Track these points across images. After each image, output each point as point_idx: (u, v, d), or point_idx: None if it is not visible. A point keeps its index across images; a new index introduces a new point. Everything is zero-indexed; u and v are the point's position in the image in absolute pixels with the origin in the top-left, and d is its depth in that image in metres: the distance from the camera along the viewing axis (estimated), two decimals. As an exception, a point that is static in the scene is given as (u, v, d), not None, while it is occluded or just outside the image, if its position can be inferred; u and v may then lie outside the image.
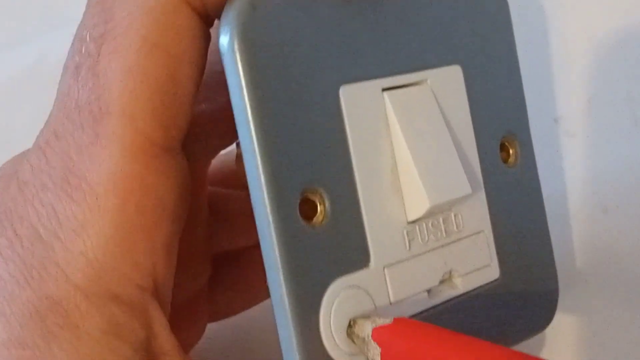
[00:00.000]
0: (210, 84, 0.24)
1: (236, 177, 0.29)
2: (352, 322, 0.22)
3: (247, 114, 0.20)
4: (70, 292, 0.21)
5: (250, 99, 0.20)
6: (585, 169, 0.32)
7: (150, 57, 0.21)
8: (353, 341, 0.22)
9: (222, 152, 0.28)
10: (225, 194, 0.30)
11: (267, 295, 0.30)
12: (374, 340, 0.22)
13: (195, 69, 0.22)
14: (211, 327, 0.32)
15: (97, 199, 0.21)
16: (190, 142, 0.23)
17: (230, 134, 0.23)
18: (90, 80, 0.21)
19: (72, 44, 0.22)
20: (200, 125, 0.24)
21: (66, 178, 0.21)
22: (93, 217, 0.21)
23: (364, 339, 0.22)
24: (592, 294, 0.32)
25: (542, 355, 0.31)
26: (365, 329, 0.22)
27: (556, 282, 0.29)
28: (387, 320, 0.22)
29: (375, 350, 0.22)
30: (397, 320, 0.22)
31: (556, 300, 0.29)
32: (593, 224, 0.32)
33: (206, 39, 0.22)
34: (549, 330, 0.30)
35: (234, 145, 0.26)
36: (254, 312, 0.32)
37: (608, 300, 0.31)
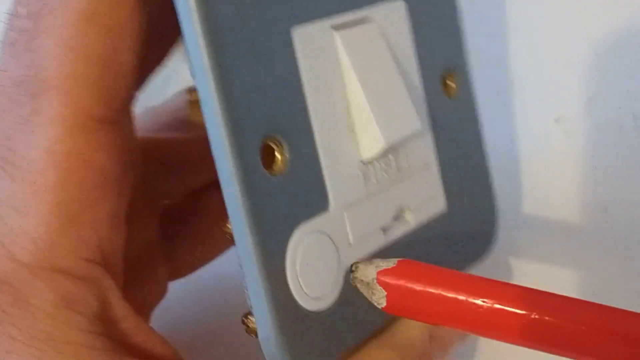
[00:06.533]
0: None
1: (168, 122, 0.29)
2: (353, 267, 0.23)
3: (204, 61, 0.20)
4: (16, 269, 0.21)
5: (207, 46, 0.20)
6: (585, 169, 0.32)
7: (87, 31, 0.21)
8: (357, 287, 0.22)
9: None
10: (155, 139, 0.29)
11: (224, 246, 0.30)
12: (379, 285, 0.22)
13: (136, 39, 0.22)
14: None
15: (37, 176, 0.21)
16: None
17: None
18: (26, 57, 0.21)
19: (7, 20, 0.22)
20: None
21: (4, 156, 0.21)
22: (34, 195, 0.21)
23: (368, 283, 0.22)
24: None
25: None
26: (369, 273, 0.22)
27: (494, 211, 0.29)
28: (390, 263, 0.22)
29: (380, 294, 0.22)
30: (401, 262, 0.22)
31: (494, 229, 0.29)
32: (593, 223, 0.32)
33: (145, 7, 0.22)
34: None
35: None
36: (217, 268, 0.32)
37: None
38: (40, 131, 0.21)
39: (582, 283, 0.32)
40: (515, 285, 0.21)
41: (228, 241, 0.29)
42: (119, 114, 0.22)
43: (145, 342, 0.23)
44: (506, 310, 0.20)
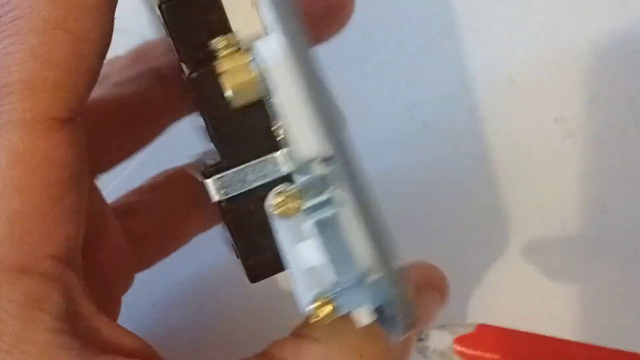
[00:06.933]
0: None
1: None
2: (423, 335, 0.21)
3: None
4: None
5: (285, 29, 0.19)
6: (585, 169, 0.32)
7: (53, 39, 0.21)
8: (425, 355, 0.20)
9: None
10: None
11: (192, 233, 0.30)
12: (457, 354, 0.20)
13: (102, 44, 0.21)
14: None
15: (1, 177, 0.21)
16: None
17: None
18: None
19: None
20: None
21: None
22: None
23: (443, 352, 0.20)
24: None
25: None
26: (444, 340, 0.20)
27: None
28: (468, 329, 0.20)
29: None
30: (481, 327, 0.20)
31: None
32: (593, 224, 0.32)
33: (111, 12, 0.22)
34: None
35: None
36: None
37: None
38: (4, 134, 0.21)
39: (581, 283, 0.32)
40: (603, 349, 0.20)
41: (199, 223, 0.29)
42: (79, 110, 0.22)
43: (112, 337, 0.22)
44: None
